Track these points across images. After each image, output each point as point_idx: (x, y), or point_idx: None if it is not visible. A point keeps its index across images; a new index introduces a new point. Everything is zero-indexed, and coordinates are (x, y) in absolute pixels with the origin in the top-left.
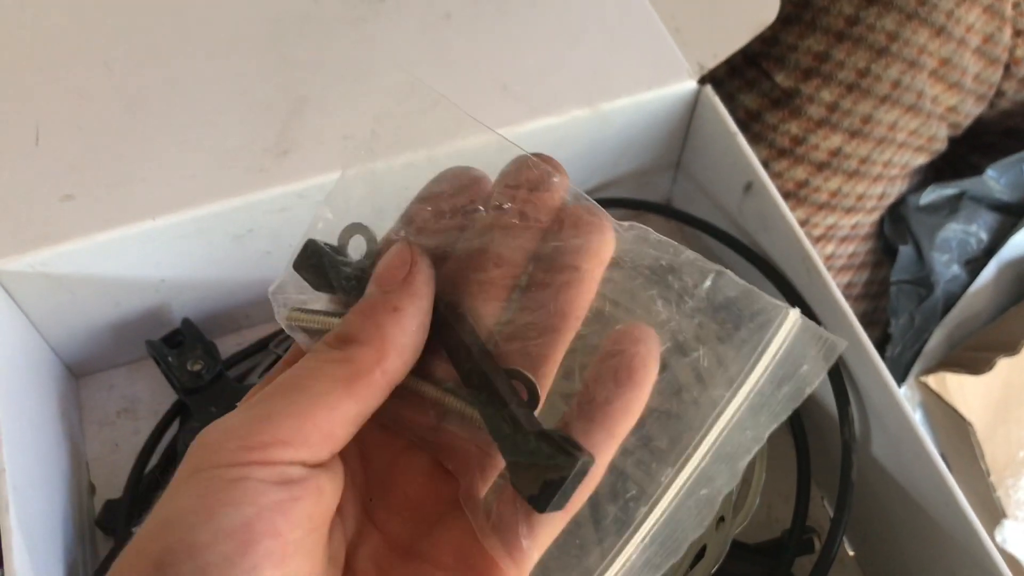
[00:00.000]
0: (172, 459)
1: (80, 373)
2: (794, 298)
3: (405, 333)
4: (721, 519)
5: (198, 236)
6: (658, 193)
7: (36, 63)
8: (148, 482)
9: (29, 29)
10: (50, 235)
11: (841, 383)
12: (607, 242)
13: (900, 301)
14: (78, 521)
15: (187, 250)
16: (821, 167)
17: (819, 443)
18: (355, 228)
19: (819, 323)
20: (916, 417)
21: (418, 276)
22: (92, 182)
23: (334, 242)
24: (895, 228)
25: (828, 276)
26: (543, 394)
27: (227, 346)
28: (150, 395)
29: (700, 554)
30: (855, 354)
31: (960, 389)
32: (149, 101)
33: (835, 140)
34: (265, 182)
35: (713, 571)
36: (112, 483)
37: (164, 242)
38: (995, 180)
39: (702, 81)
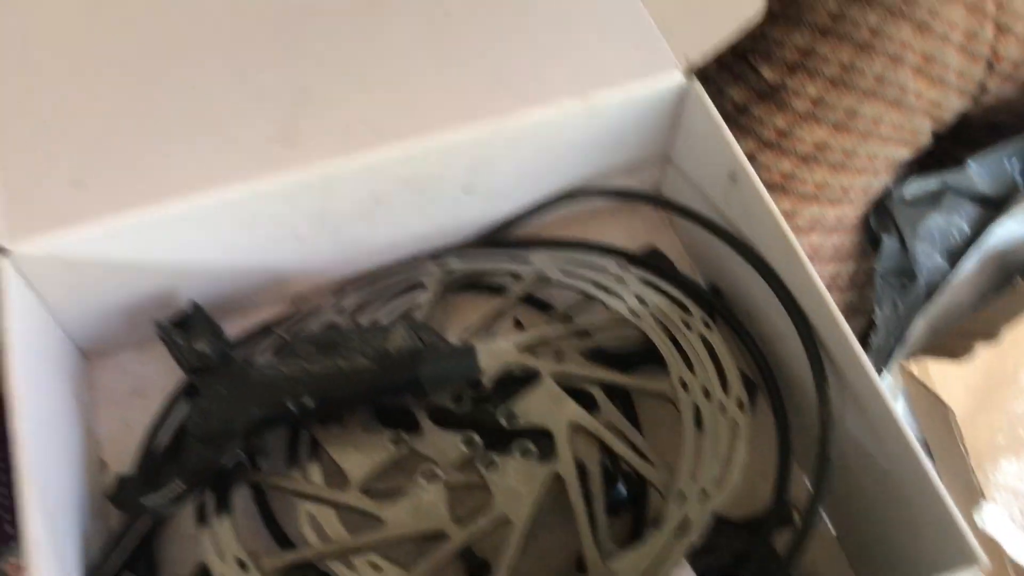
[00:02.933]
0: (181, 436)
1: (92, 354)
2: (777, 285)
3: None
4: (703, 492)
5: (205, 222)
6: (648, 182)
7: (44, 52)
8: (158, 458)
9: (38, 22)
10: (62, 219)
11: (819, 363)
12: None
13: (884, 291)
14: (90, 496)
15: (194, 235)
16: (806, 159)
17: (800, 427)
18: None
19: (799, 305)
20: (899, 403)
21: None
22: (101, 168)
23: None
24: (880, 220)
25: (808, 263)
26: None
27: (233, 329)
28: (160, 376)
29: (683, 527)
30: (833, 336)
31: (941, 376)
32: (156, 90)
33: (820, 133)
34: (271, 171)
35: (696, 543)
36: (123, 459)
37: (172, 227)
38: (977, 173)
39: (690, 75)
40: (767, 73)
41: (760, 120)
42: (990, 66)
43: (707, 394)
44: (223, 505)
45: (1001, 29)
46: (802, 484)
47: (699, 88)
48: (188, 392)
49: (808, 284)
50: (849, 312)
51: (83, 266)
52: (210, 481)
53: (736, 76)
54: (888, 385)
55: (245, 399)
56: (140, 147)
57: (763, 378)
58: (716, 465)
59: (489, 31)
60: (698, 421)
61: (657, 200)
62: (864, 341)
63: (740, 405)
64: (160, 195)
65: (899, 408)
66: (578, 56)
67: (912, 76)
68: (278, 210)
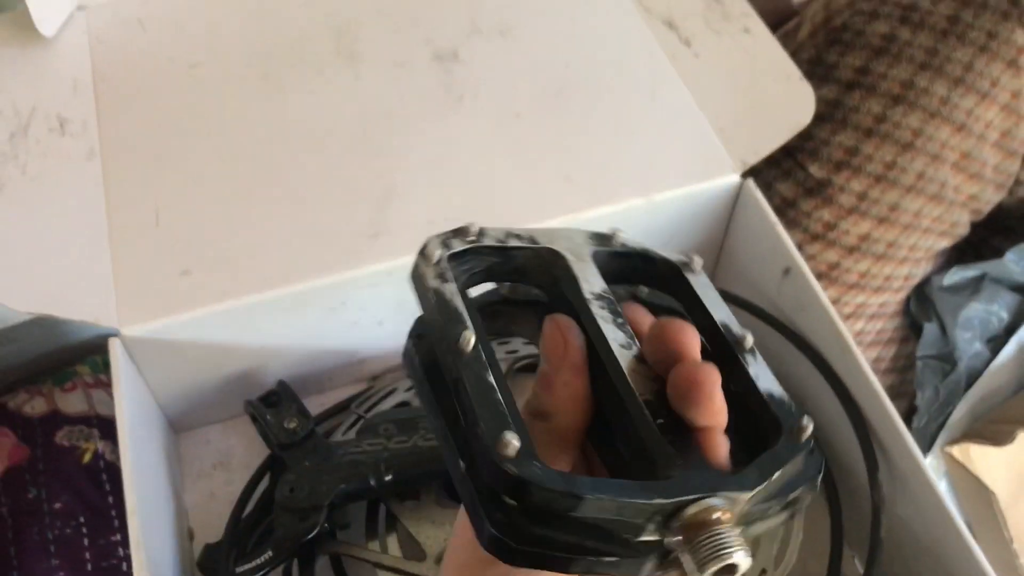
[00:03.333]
0: (266, 507)
1: (180, 429)
2: (828, 373)
3: (579, 398)
4: (763, 571)
5: (297, 308)
6: None
7: (155, 152)
8: (244, 527)
9: (148, 123)
10: (170, 306)
11: (871, 450)
12: (694, 336)
13: (926, 375)
14: (182, 564)
15: (286, 320)
16: (851, 250)
17: (851, 506)
18: None
19: (852, 396)
20: (942, 485)
21: (573, 349)
22: (206, 259)
23: None
24: (920, 307)
25: (860, 354)
26: None
27: (312, 406)
28: (243, 450)
29: None
30: (883, 424)
31: (984, 460)
32: (255, 187)
33: (864, 226)
34: (358, 261)
35: None
36: (208, 529)
37: (267, 312)
38: (1015, 263)
39: (744, 175)
40: (815, 170)
41: (808, 214)
42: None
43: None
44: (308, 573)
45: None
46: (852, 564)
47: (754, 188)
48: (271, 466)
49: (859, 374)
50: (891, 395)
51: (183, 347)
52: (296, 550)
53: (785, 172)
54: (931, 468)
55: (330, 474)
56: (242, 240)
57: None
58: (774, 545)
59: (560, 135)
60: None
61: None
62: (906, 424)
63: None
64: (260, 284)
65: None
66: (643, 159)
67: (952, 173)
68: (363, 297)
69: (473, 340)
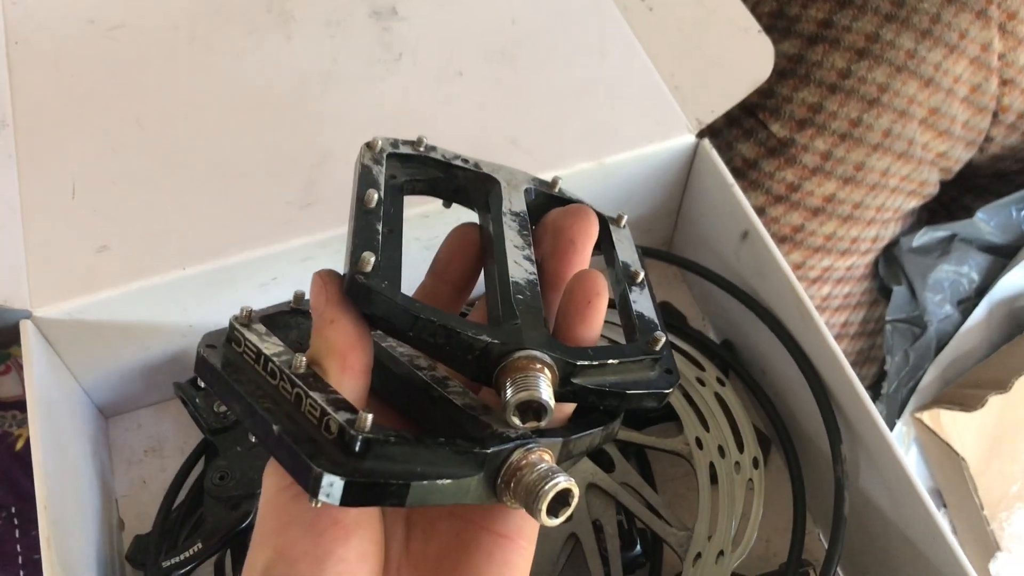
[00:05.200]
0: (199, 496)
1: (110, 414)
2: (789, 342)
3: (347, 334)
4: (720, 553)
5: (225, 284)
6: (659, 239)
7: (72, 121)
8: (176, 518)
9: (65, 89)
10: (86, 285)
11: (833, 421)
12: (594, 224)
13: (895, 339)
14: (109, 555)
15: (214, 297)
16: (816, 212)
17: (814, 479)
18: None
19: (812, 364)
20: (912, 452)
21: (332, 294)
22: (126, 233)
23: None
24: (889, 269)
25: (820, 321)
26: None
27: None
28: (175, 434)
29: None
30: (846, 394)
31: (954, 425)
32: (180, 156)
33: (829, 187)
34: (289, 233)
35: None
36: (140, 518)
37: (193, 290)
38: (985, 222)
39: (700, 135)
40: (776, 129)
41: (770, 175)
42: (995, 117)
43: (722, 452)
44: (241, 564)
45: (1006, 82)
46: (818, 539)
47: (710, 148)
48: (205, 451)
49: (820, 341)
50: (861, 360)
51: (105, 328)
52: (228, 541)
53: (746, 132)
54: (901, 434)
55: (264, 459)
56: (164, 213)
57: (777, 433)
58: (732, 523)
59: (505, 96)
60: (713, 478)
61: (669, 256)
62: (876, 389)
63: (755, 463)
64: (182, 259)
65: (912, 458)
66: (593, 119)
67: (920, 129)
68: (296, 272)
69: (377, 198)
